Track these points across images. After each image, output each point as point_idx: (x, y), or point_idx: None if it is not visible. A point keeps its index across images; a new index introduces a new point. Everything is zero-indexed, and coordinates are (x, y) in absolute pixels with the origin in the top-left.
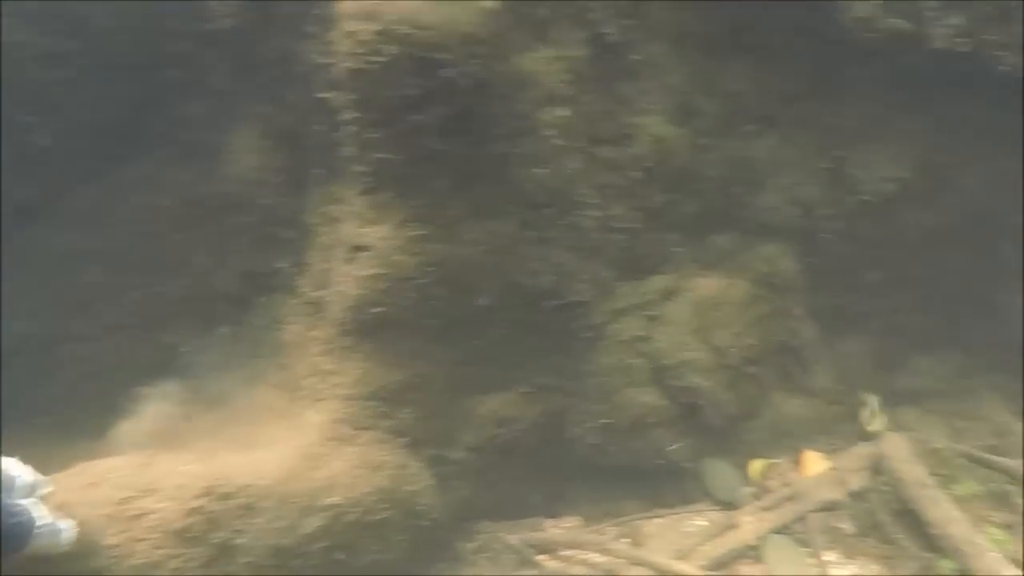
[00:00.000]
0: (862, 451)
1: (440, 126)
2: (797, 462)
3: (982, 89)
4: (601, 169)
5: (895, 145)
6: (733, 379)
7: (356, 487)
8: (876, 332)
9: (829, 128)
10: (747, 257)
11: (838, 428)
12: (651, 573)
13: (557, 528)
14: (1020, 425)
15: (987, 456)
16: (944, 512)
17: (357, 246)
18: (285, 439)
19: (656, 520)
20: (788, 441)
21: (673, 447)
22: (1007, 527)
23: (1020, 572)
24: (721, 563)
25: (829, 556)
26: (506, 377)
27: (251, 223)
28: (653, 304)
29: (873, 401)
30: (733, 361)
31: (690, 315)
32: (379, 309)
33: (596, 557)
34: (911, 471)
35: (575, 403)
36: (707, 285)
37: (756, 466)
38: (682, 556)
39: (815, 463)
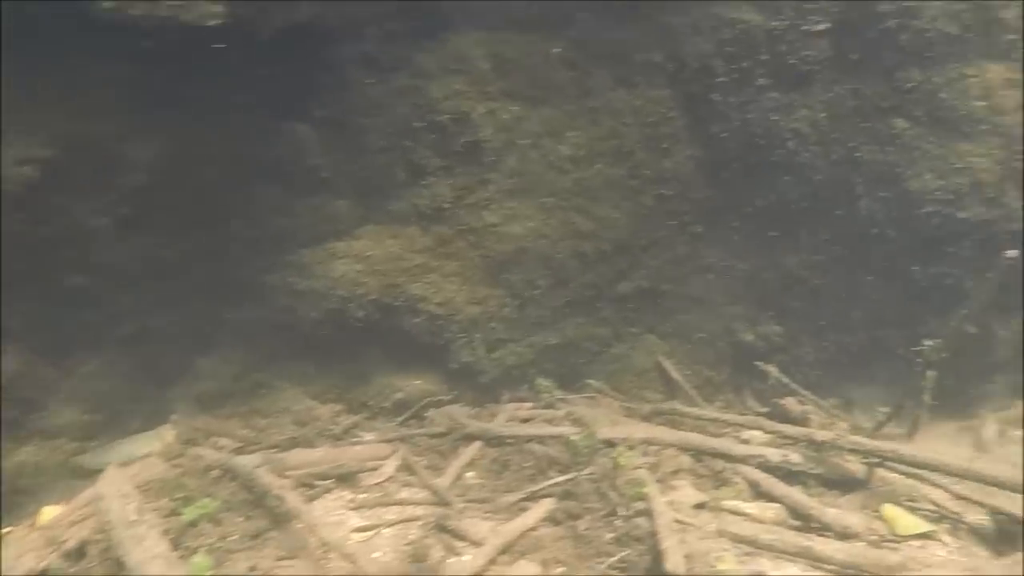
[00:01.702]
0: (85, 496)
1: None
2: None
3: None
4: None
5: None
6: None
7: None
8: (154, 344)
9: None
10: None
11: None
12: None
13: None
14: (324, 409)
15: (230, 459)
16: (146, 551)
17: None
18: None
19: None
20: (27, 500)
21: None
22: (246, 537)
23: None
24: None
25: None
26: None
27: None
28: None
29: None
30: None
31: None
32: None
33: None
34: (119, 510)
35: None
36: None
37: None
38: None
39: None
